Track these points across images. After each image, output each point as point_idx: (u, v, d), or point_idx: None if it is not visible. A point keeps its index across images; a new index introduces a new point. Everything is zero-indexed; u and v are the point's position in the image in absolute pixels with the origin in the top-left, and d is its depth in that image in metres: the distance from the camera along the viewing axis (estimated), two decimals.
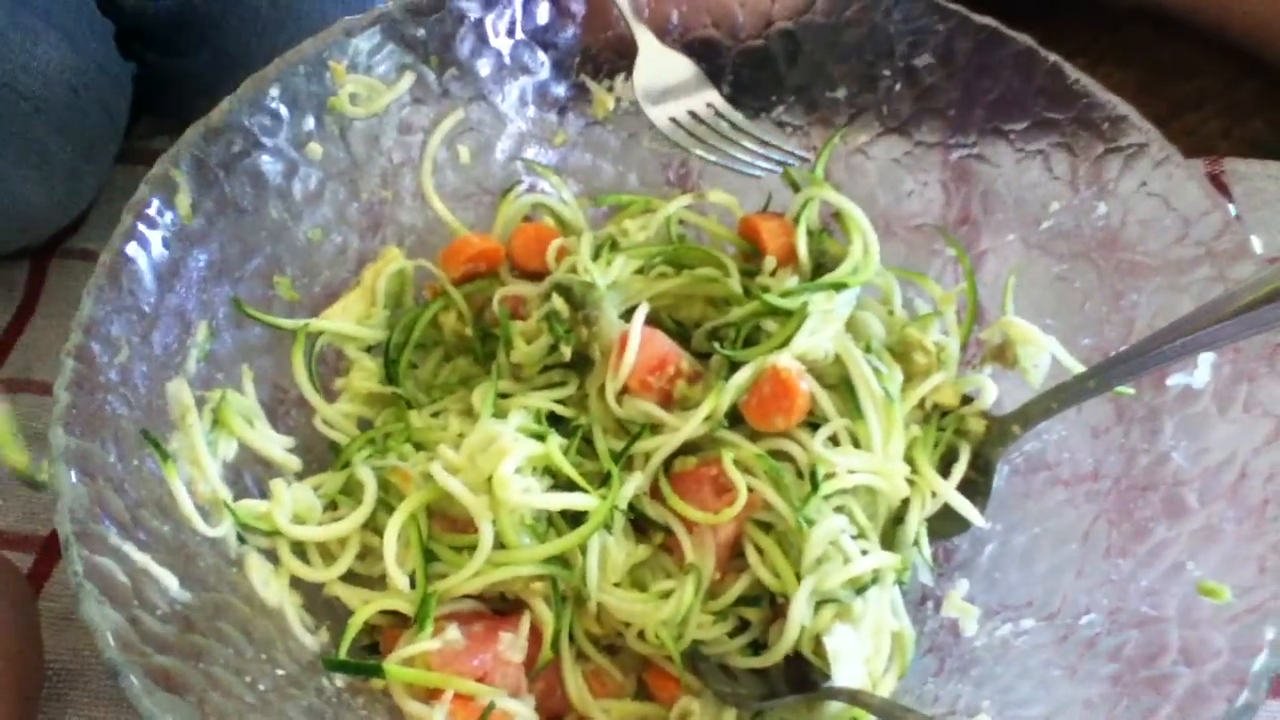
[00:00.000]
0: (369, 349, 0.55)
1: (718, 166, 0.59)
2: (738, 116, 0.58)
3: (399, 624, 0.46)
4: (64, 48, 0.61)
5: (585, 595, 0.47)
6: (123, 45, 0.67)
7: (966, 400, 0.54)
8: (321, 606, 0.46)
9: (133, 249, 0.47)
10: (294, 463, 0.49)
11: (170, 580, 0.40)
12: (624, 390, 0.51)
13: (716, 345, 0.53)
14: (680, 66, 0.59)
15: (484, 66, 0.59)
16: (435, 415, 0.52)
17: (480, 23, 0.58)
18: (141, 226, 0.47)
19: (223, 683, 0.38)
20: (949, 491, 0.51)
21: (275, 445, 0.48)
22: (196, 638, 0.39)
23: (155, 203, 0.48)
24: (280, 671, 0.42)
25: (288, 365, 0.51)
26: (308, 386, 0.52)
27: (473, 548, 0.46)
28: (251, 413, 0.48)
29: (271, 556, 0.46)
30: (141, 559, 0.40)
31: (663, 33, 0.59)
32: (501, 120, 0.59)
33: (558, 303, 0.54)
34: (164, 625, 0.38)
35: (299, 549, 0.46)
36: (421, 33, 0.56)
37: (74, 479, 0.40)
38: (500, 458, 0.46)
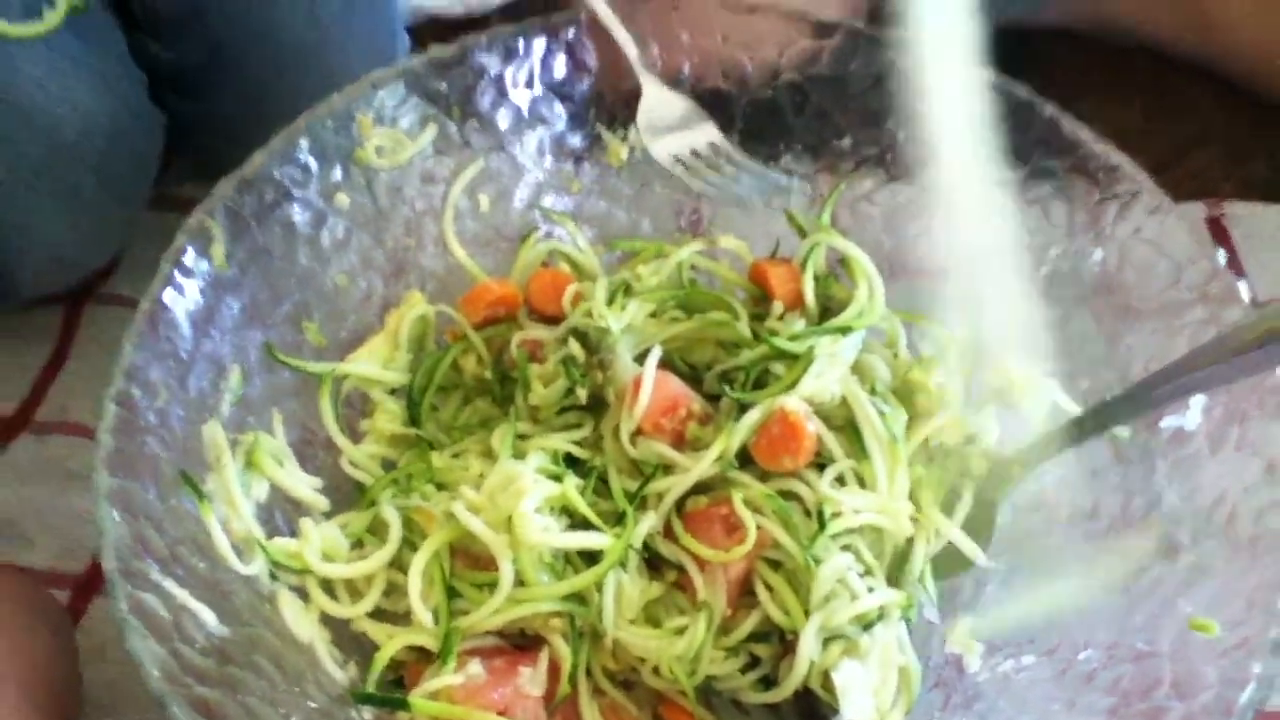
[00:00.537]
0: (392, 391, 0.57)
1: (727, 212, 0.62)
2: (734, 150, 0.60)
3: (423, 659, 0.48)
4: (101, 96, 0.64)
5: (601, 631, 0.49)
6: (153, 93, 0.69)
7: (969, 440, 0.56)
8: (349, 641, 0.48)
9: (170, 296, 0.50)
10: (322, 502, 0.51)
11: (208, 615, 0.42)
12: (638, 432, 0.53)
13: (726, 388, 0.55)
14: (680, 105, 0.61)
15: (503, 118, 0.61)
16: (456, 456, 0.54)
17: (500, 76, 0.61)
18: (178, 275, 0.50)
19: (259, 714, 0.40)
20: (952, 530, 0.53)
21: (304, 485, 0.51)
22: (233, 670, 0.41)
23: (191, 251, 0.51)
24: (312, 704, 0.44)
25: (315, 408, 0.54)
26: (334, 428, 0.54)
27: (493, 585, 0.48)
28: (281, 454, 0.51)
29: (302, 593, 0.48)
30: (181, 594, 0.42)
31: (674, 84, 0.62)
32: (519, 170, 0.62)
33: (574, 347, 0.56)
34: (203, 659, 0.40)
35: (327, 586, 0.48)
36: (444, 86, 0.59)
37: (117, 518, 0.42)
38: (519, 497, 0.48)
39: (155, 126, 0.69)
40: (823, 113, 0.63)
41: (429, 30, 0.79)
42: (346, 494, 0.53)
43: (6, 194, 0.62)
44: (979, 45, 0.55)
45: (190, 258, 0.50)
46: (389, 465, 0.55)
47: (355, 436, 0.55)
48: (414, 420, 0.56)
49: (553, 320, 0.59)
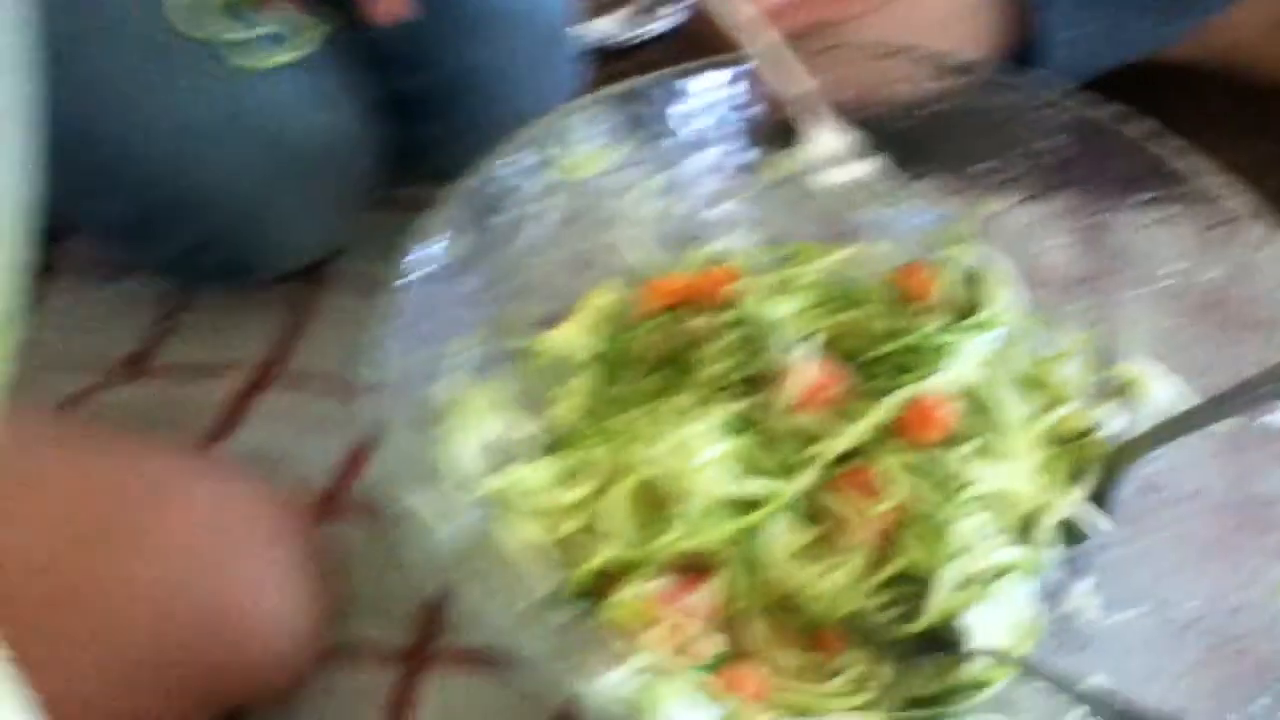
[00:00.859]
0: (587, 361, 0.67)
1: (875, 223, 0.70)
2: (891, 182, 0.69)
3: (610, 582, 0.57)
4: (338, 115, 0.76)
5: (762, 565, 0.58)
6: (381, 112, 0.81)
7: (1091, 430, 0.64)
8: (554, 561, 0.58)
9: (410, 277, 0.60)
10: (533, 446, 0.61)
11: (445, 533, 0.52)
12: (795, 406, 0.62)
13: (874, 372, 0.63)
14: (838, 138, 0.70)
15: (680, 140, 0.71)
16: (639, 415, 0.64)
17: (677, 104, 0.70)
18: (416, 260, 0.60)
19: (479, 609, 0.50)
20: (1074, 502, 0.60)
21: (518, 431, 0.61)
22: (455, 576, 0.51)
23: (423, 246, 0.61)
24: (520, 607, 0.54)
25: (527, 373, 0.64)
26: (540, 387, 0.64)
27: (674, 520, 0.57)
28: (501, 405, 0.61)
29: (516, 518, 0.58)
30: (423, 514, 0.52)
31: (829, 119, 0.71)
32: (693, 183, 0.71)
33: (737, 334, 0.65)
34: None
35: (538, 513, 0.58)
36: (636, 109, 0.69)
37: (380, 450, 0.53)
38: (698, 450, 0.57)
39: (378, 140, 0.81)
40: (961, 141, 0.71)
41: (594, 56, 0.90)
42: (549, 442, 0.63)
43: (260, 197, 0.74)
44: (1108, 79, 0.63)
45: (426, 247, 0.61)
46: (584, 420, 0.65)
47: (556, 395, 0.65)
48: (606, 384, 0.66)
49: (722, 309, 0.68)
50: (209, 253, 0.76)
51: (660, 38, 1.03)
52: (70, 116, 0.73)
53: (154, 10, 0.70)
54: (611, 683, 0.49)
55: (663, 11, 0.99)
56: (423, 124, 0.82)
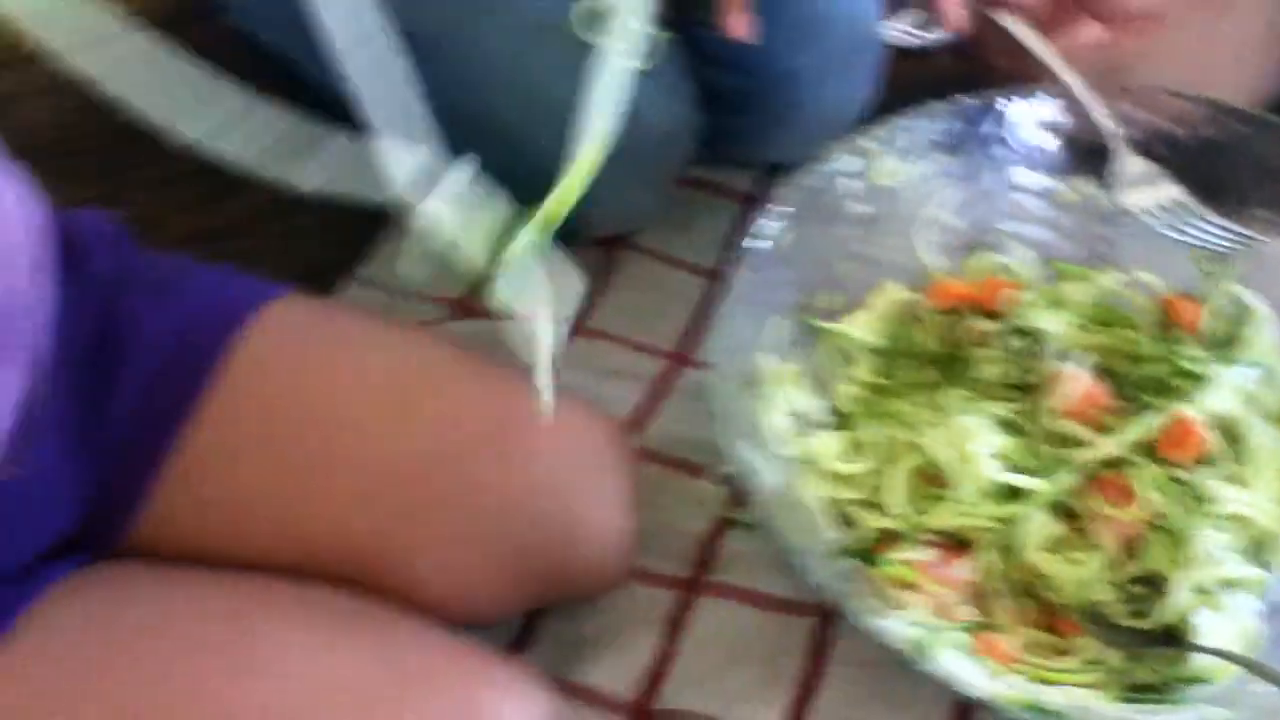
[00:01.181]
0: (870, 350, 0.76)
1: (1141, 249, 0.76)
2: (1197, 204, 0.75)
3: (883, 543, 0.67)
4: (677, 102, 0.86)
5: (1017, 550, 0.66)
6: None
7: None
8: (839, 520, 0.68)
9: (741, 257, 0.71)
10: (826, 420, 0.71)
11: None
12: (1062, 413, 0.70)
13: (1136, 390, 0.70)
14: (1144, 165, 0.76)
15: (979, 157, 0.78)
16: (913, 404, 0.73)
17: (983, 125, 0.78)
18: (750, 244, 0.71)
19: None
20: None
21: (814, 407, 0.71)
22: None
23: (754, 234, 0.71)
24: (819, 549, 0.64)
25: (822, 353, 0.74)
26: (829, 370, 0.74)
27: (944, 498, 0.66)
28: (800, 381, 0.71)
29: (812, 477, 0.68)
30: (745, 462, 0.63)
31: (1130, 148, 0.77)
32: (991, 196, 0.79)
33: (1013, 341, 0.73)
34: None
35: (829, 478, 0.68)
36: (954, 123, 0.77)
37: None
38: (973, 438, 0.66)
39: (695, 131, 0.91)
40: (1238, 183, 0.76)
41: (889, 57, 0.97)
42: (838, 423, 0.73)
43: (606, 169, 0.85)
44: None
45: (753, 238, 0.71)
46: (859, 404, 0.74)
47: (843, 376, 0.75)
48: (885, 373, 0.75)
49: (995, 316, 0.76)
50: None
51: (946, 45, 1.09)
52: (456, 86, 0.85)
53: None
54: (893, 625, 0.59)
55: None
56: (731, 115, 0.92)
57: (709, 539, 0.77)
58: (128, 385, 0.62)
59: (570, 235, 0.92)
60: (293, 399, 0.64)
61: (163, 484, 0.62)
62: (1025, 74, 0.79)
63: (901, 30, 1.08)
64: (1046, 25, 0.78)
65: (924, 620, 0.61)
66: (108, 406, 0.61)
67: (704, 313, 0.89)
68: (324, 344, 0.67)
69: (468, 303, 0.92)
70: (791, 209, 0.72)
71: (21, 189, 0.55)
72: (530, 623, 0.72)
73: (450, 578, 0.64)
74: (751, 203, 0.96)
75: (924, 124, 0.76)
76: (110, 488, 0.61)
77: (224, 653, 0.55)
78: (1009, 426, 0.70)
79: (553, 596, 0.70)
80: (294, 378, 0.64)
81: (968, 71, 0.85)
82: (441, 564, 0.64)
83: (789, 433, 0.68)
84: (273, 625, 0.57)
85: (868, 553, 0.66)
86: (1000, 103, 0.77)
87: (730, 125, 0.93)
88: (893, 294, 0.76)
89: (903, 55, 1.07)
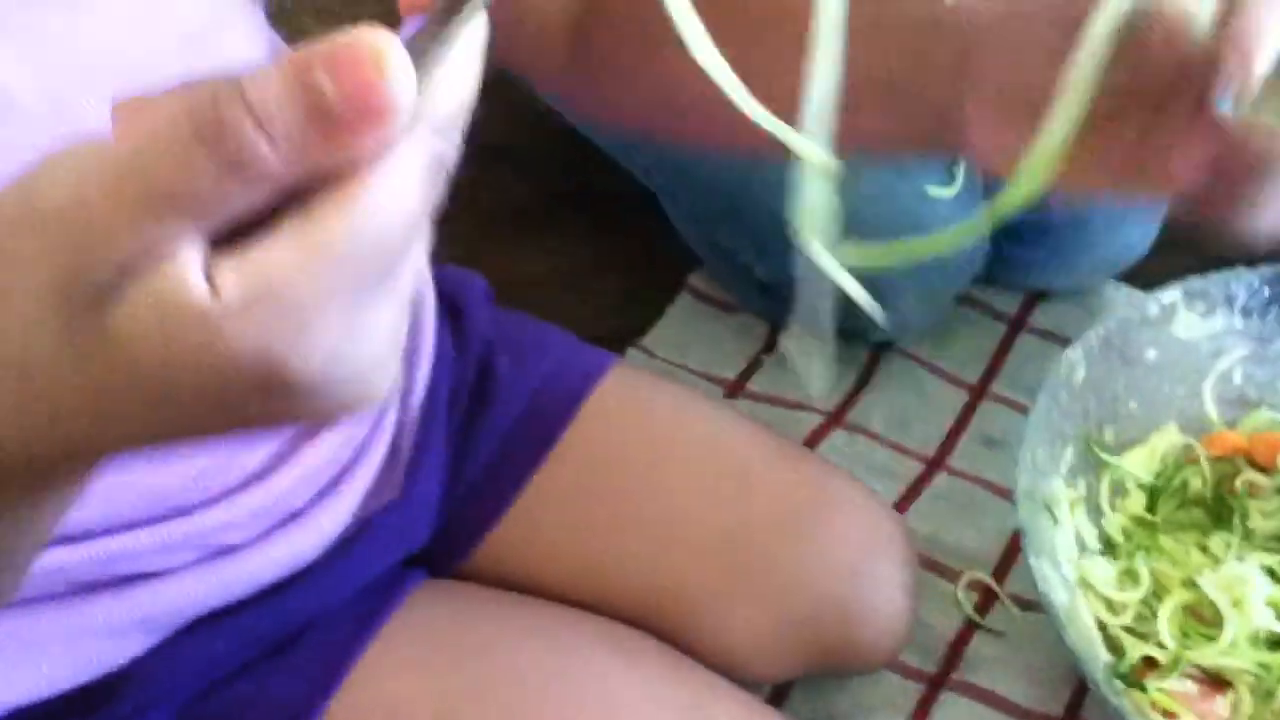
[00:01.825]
0: (1141, 486, 0.81)
1: None
2: None
3: (1146, 668, 0.72)
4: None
5: (1275, 696, 0.70)
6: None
7: None
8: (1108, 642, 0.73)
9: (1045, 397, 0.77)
10: (1095, 548, 0.77)
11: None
12: None
13: None
14: None
15: (1255, 320, 0.83)
16: (1183, 543, 0.78)
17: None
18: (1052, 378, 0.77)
19: None
20: None
21: (1089, 534, 0.77)
22: None
23: (1058, 368, 0.78)
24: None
25: (1102, 482, 0.80)
26: (1105, 500, 0.80)
27: (1208, 636, 0.71)
28: (1081, 504, 0.77)
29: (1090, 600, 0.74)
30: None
31: None
32: (1265, 359, 0.84)
33: None
34: None
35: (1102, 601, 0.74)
36: (1253, 288, 0.82)
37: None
38: (1248, 585, 0.71)
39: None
40: None
41: None
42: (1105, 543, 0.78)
43: (897, 279, 0.93)
44: None
45: (1062, 366, 0.78)
46: (1126, 535, 0.80)
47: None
48: (1150, 508, 0.80)
49: (1267, 472, 0.81)
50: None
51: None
52: (741, 177, 0.94)
53: None
54: None
55: None
56: (1019, 245, 0.99)
57: (957, 639, 0.83)
58: (491, 431, 0.70)
59: (846, 335, 1.00)
60: (630, 458, 0.73)
61: (505, 521, 0.70)
62: None
63: None
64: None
65: None
66: (473, 448, 0.71)
67: (964, 424, 0.96)
68: (658, 412, 0.76)
69: (741, 384, 1.01)
70: (1095, 345, 0.79)
71: None
72: (780, 690, 0.80)
73: (739, 638, 0.72)
74: (1017, 325, 1.02)
75: (1227, 284, 0.82)
76: (464, 518, 0.71)
77: (557, 678, 0.63)
78: (1274, 576, 0.74)
79: (823, 667, 0.77)
80: (632, 438, 0.74)
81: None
82: (734, 624, 0.72)
83: (1073, 555, 0.74)
84: (598, 661, 0.64)
85: (1135, 678, 0.71)
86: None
87: (1015, 254, 0.99)
88: (1173, 437, 0.82)
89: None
